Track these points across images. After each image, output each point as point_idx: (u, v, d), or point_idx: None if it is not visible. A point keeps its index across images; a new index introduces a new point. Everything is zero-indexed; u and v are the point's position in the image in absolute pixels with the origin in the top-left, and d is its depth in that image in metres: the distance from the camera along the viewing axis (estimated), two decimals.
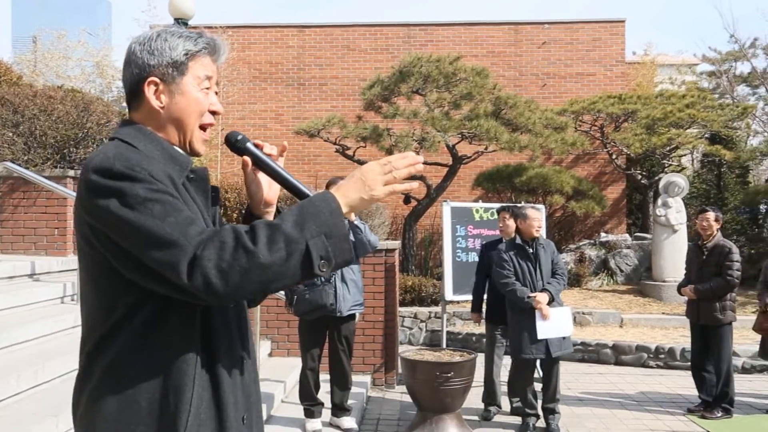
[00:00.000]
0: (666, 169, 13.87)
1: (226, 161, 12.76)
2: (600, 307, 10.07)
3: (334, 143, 10.90)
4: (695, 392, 6.05)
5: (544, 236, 5.93)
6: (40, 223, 6.48)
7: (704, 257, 5.89)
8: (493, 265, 5.52)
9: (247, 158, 1.56)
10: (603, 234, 12.98)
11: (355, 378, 5.42)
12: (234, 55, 13.52)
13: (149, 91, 1.46)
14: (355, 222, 5.01)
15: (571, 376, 7.27)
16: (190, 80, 1.48)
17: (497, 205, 7.17)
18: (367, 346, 6.81)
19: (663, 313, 9.81)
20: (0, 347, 4.03)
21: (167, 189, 1.32)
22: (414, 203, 11.30)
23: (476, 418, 5.78)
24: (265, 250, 1.23)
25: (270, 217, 1.62)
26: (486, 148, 10.69)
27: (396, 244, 7.24)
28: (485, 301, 6.16)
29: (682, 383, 6.93)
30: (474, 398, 5.80)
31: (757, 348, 6.23)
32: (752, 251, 12.49)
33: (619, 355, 8.17)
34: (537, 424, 5.37)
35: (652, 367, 7.94)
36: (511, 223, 5.87)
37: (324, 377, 5.21)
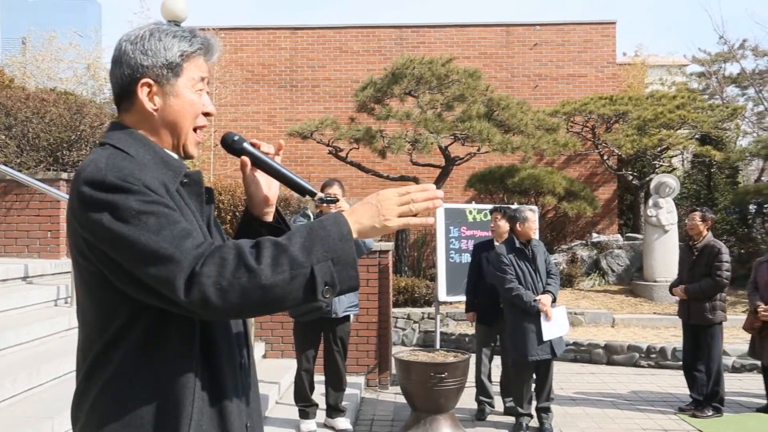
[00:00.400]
0: (657, 170, 13.96)
1: (218, 163, 12.76)
2: (592, 307, 10.13)
3: (327, 145, 10.93)
4: (686, 391, 6.10)
5: (537, 237, 5.98)
6: (33, 226, 6.47)
7: (694, 257, 5.95)
8: (491, 267, 5.55)
9: (245, 158, 1.53)
10: (595, 234, 13.05)
11: (349, 379, 5.44)
12: (226, 57, 13.52)
13: (142, 93, 1.40)
14: None
15: (564, 376, 7.32)
16: (185, 82, 1.44)
17: (490, 207, 7.21)
18: (360, 347, 6.83)
19: (654, 313, 9.88)
20: None
21: (162, 200, 1.28)
22: None
23: (470, 418, 5.81)
24: (269, 270, 1.20)
25: (269, 217, 1.60)
26: (478, 150, 10.74)
27: (389, 245, 7.27)
28: (477, 302, 6.18)
29: (674, 382, 7.00)
30: (467, 398, 5.83)
31: (747, 347, 6.29)
32: (742, 251, 12.59)
33: (611, 355, 8.22)
34: (530, 424, 5.42)
35: (643, 366, 8.00)
36: (503, 224, 5.91)
37: (318, 378, 5.23)
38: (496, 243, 5.93)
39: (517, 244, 5.42)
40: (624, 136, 12.61)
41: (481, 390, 5.93)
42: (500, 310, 5.63)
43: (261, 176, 1.56)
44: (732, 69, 20.97)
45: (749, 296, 6.13)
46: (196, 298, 1.18)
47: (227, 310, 1.21)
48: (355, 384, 6.35)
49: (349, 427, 5.26)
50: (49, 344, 4.54)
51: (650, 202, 11.19)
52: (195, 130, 1.47)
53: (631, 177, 13.85)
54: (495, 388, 6.10)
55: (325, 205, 4.78)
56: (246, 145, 1.53)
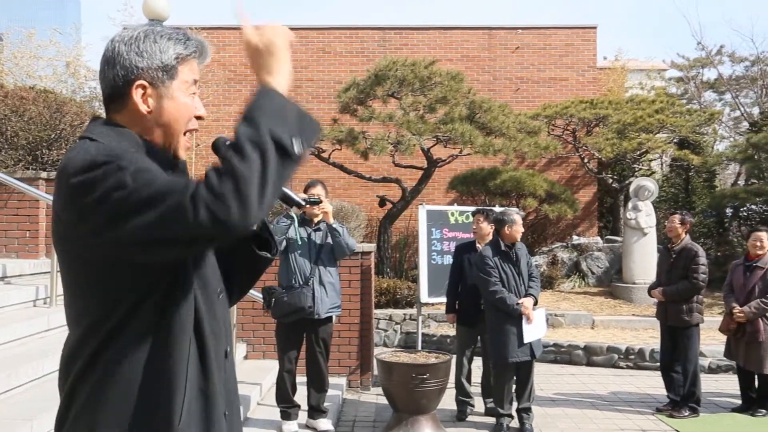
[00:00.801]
0: (636, 173, 14.14)
1: (200, 163, 12.69)
2: (572, 309, 10.23)
3: None
4: (664, 392, 6.19)
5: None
6: (11, 226, 6.39)
7: (672, 260, 6.03)
8: (474, 269, 5.59)
9: None
10: (575, 237, 13.19)
11: (330, 380, 5.44)
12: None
13: (137, 95, 1.41)
14: (334, 225, 5.04)
15: (544, 377, 7.38)
16: (179, 85, 1.45)
17: (472, 209, 7.25)
18: (342, 349, 6.84)
19: (633, 315, 10.00)
20: None
21: (147, 161, 1.32)
22: (389, 206, 11.36)
23: (451, 418, 5.84)
24: (240, 164, 1.22)
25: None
26: (461, 152, 10.79)
27: (371, 246, 7.28)
28: (458, 304, 6.22)
29: (652, 383, 7.09)
30: (449, 399, 5.86)
31: (723, 348, 6.40)
32: (719, 254, 12.79)
33: (590, 356, 8.31)
34: (511, 425, 5.46)
35: (622, 367, 8.09)
36: (485, 226, 5.94)
37: (300, 379, 5.22)
38: (478, 245, 5.97)
39: (502, 247, 5.46)
40: (604, 140, 12.75)
41: (461, 391, 5.96)
42: (481, 311, 5.66)
43: None
44: (709, 74, 21.31)
45: (725, 298, 6.24)
46: (203, 215, 1.20)
47: (234, 216, 1.22)
48: (337, 385, 6.36)
49: (331, 428, 5.26)
50: (28, 345, 4.50)
51: (629, 205, 11.33)
52: (185, 133, 1.49)
53: (611, 180, 14.00)
54: (475, 389, 6.14)
55: (308, 206, 4.81)
56: None
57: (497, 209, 6.71)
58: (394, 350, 6.44)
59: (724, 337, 6.31)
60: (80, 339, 1.39)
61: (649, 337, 8.69)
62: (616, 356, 8.20)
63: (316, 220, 5.11)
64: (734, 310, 5.93)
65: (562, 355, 8.43)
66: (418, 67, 10.34)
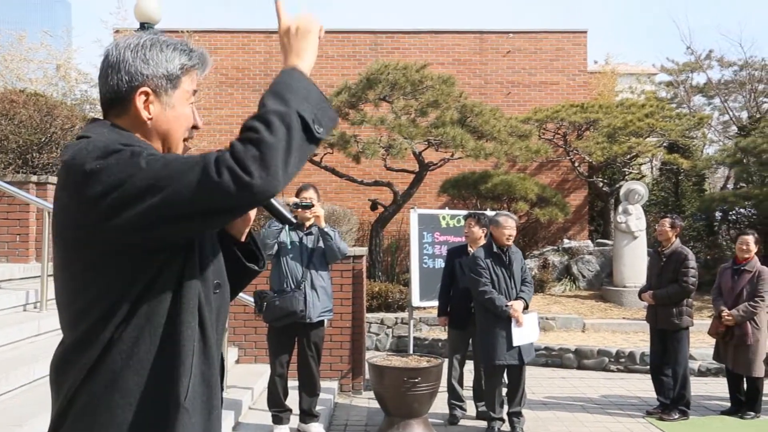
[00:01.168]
0: (626, 177, 14.22)
1: None
2: (563, 312, 10.27)
3: None
4: (654, 395, 6.22)
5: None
6: (1, 230, 6.36)
7: (662, 263, 6.07)
8: (467, 271, 5.61)
9: None
10: (566, 240, 13.24)
11: (322, 384, 5.45)
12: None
13: (139, 101, 1.44)
14: (326, 229, 5.05)
15: (535, 381, 7.41)
16: (181, 94, 1.48)
17: (464, 212, 7.28)
18: (334, 353, 6.84)
19: (624, 318, 10.05)
20: None
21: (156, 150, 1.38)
22: (381, 210, 11.38)
23: (443, 422, 5.85)
24: (267, 133, 1.26)
25: (243, 237, 1.63)
26: (452, 155, 10.82)
27: (363, 250, 7.29)
28: (449, 307, 6.23)
29: (642, 386, 7.13)
30: (441, 403, 5.87)
31: (712, 351, 6.44)
32: (708, 257, 12.88)
33: (581, 360, 8.34)
34: (502, 428, 5.47)
35: (613, 371, 8.13)
36: (477, 230, 5.97)
37: (292, 384, 5.22)
38: (469, 249, 5.99)
39: (495, 249, 5.48)
40: (594, 144, 12.82)
41: (453, 395, 5.98)
42: (472, 314, 5.68)
43: None
44: (699, 79, 21.44)
45: (713, 302, 6.29)
46: (226, 177, 1.23)
47: (258, 181, 1.24)
48: (329, 389, 6.35)
49: None
50: (19, 350, 4.48)
51: (620, 208, 11.39)
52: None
53: (601, 184, 14.08)
54: (467, 393, 6.15)
55: (300, 210, 4.82)
56: None
57: (489, 213, 6.74)
58: (386, 354, 6.45)
59: (713, 340, 6.35)
60: (77, 342, 1.38)
61: (639, 341, 8.73)
62: (606, 359, 8.24)
63: (307, 224, 5.11)
64: (722, 314, 5.98)
65: (553, 358, 8.46)
66: (410, 70, 10.37)
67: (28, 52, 11.50)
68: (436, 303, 6.65)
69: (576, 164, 13.87)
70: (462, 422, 5.90)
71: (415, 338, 8.51)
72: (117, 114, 1.47)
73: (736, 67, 19.76)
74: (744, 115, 19.20)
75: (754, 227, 11.43)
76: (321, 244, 5.08)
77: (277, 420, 5.09)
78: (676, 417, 5.93)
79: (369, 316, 9.08)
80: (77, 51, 13.99)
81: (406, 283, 9.44)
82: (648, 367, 6.73)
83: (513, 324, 5.26)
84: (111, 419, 1.34)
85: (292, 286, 4.97)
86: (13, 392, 3.88)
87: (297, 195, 5.05)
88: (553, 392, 7.05)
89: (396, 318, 9.62)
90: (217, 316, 1.50)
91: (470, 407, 6.08)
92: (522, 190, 12.09)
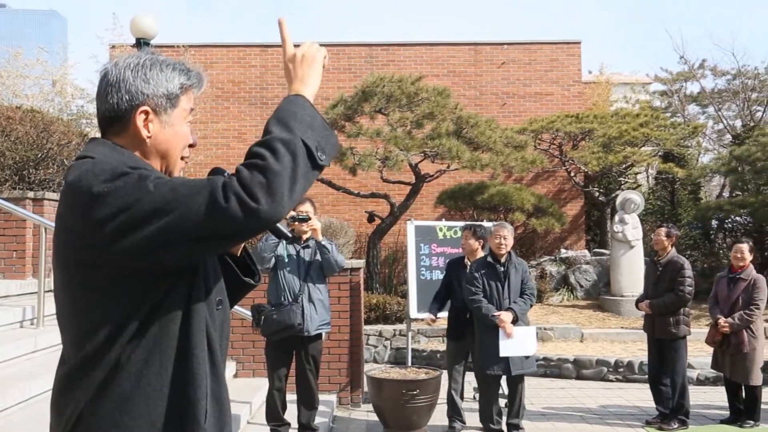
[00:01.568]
0: (622, 187, 14.27)
1: None
2: (561, 322, 10.27)
3: None
4: (653, 404, 6.22)
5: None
6: None
7: (659, 273, 6.09)
8: (464, 283, 5.63)
9: None
10: (563, 250, 13.26)
11: (321, 397, 5.43)
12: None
13: (139, 120, 1.45)
14: (323, 242, 5.06)
15: (534, 391, 7.39)
16: (179, 113, 1.50)
17: (461, 224, 7.30)
18: (332, 365, 6.82)
19: (622, 328, 10.05)
20: None
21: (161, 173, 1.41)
22: (378, 221, 11.39)
23: None
24: (273, 160, 1.29)
25: (238, 251, 1.64)
26: (448, 167, 10.86)
27: (361, 262, 7.30)
28: (448, 318, 6.24)
29: (641, 396, 7.12)
30: (440, 415, 5.85)
31: (711, 360, 6.44)
32: (705, 265, 12.90)
33: (580, 370, 8.34)
34: None
35: (611, 380, 8.12)
36: (473, 242, 5.98)
37: (290, 397, 5.21)
38: (467, 261, 6.01)
39: (489, 260, 5.50)
40: (590, 154, 12.87)
41: (452, 407, 5.96)
42: (470, 326, 5.68)
43: None
44: (692, 88, 21.58)
45: (710, 310, 6.30)
46: (233, 203, 1.26)
47: (264, 207, 1.27)
48: (328, 402, 6.33)
49: None
50: (15, 367, 4.46)
51: (616, 218, 11.43)
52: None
53: (597, 193, 14.12)
54: (466, 405, 6.13)
55: (296, 223, 4.83)
56: None
57: (486, 224, 6.76)
58: (385, 366, 6.44)
59: (712, 349, 6.35)
60: (82, 363, 1.38)
61: (638, 350, 8.73)
62: (605, 369, 8.23)
63: (305, 237, 5.12)
64: (719, 322, 5.99)
65: (551, 368, 8.45)
66: (405, 83, 10.42)
67: (24, 68, 11.53)
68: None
69: (572, 174, 13.91)
70: None
71: (413, 350, 8.50)
72: (116, 132, 1.48)
73: (729, 76, 19.89)
74: (738, 123, 19.31)
75: (750, 235, 11.47)
76: (318, 257, 5.08)
77: None
78: (676, 426, 5.92)
79: (367, 329, 9.07)
80: (73, 66, 14.06)
81: (404, 295, 9.44)
82: (647, 376, 6.73)
83: (501, 334, 5.25)
84: None
85: (290, 300, 4.97)
86: (10, 410, 3.87)
87: (293, 208, 5.05)
88: (552, 403, 7.04)
89: (394, 330, 9.61)
90: (221, 333, 1.52)
91: (470, 419, 6.06)
92: (518, 201, 12.12)
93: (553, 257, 12.90)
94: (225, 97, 14.42)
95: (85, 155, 1.43)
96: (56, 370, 1.45)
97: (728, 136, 19.23)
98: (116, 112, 1.46)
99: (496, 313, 5.28)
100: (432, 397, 5.27)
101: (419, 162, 10.82)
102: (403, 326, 9.26)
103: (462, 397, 6.05)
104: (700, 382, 7.82)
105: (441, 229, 8.03)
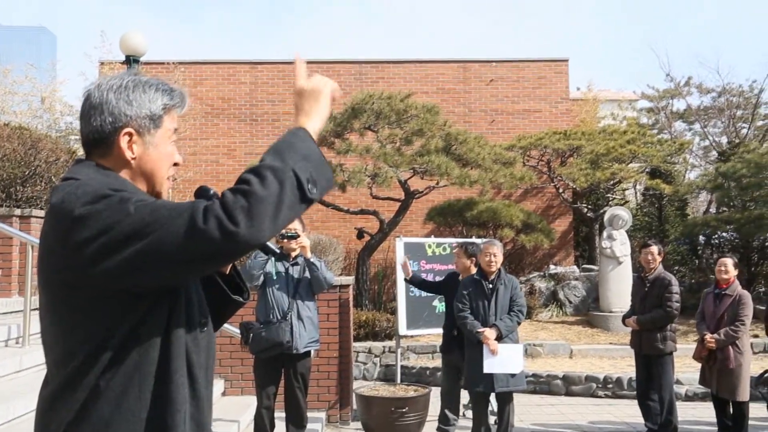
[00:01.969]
0: (610, 203, 14.37)
1: (177, 197, 12.63)
2: (550, 338, 10.28)
3: None
4: (642, 420, 6.22)
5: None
6: None
7: (646, 289, 6.12)
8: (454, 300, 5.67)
9: None
10: (552, 266, 13.30)
11: (309, 415, 5.39)
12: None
13: (123, 142, 1.46)
14: (312, 259, 5.05)
15: (523, 408, 7.38)
16: (163, 133, 1.51)
17: (449, 240, 7.32)
18: (321, 383, 6.78)
19: (611, 343, 10.07)
20: None
21: (146, 195, 1.41)
22: (367, 238, 11.39)
23: None
24: (259, 186, 1.29)
25: (226, 269, 1.64)
26: (437, 183, 10.90)
27: (350, 279, 7.29)
28: (443, 334, 6.23)
29: (630, 412, 7.12)
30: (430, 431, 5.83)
31: (699, 376, 6.46)
32: (693, 281, 12.98)
33: (569, 386, 8.34)
34: None
35: (600, 396, 8.12)
36: (465, 260, 5.99)
37: (279, 415, 5.17)
38: (460, 278, 6.02)
39: (476, 277, 5.51)
40: (578, 170, 12.97)
41: (444, 422, 5.93)
42: (459, 341, 5.68)
43: None
44: (679, 105, 21.83)
45: (697, 326, 6.32)
46: (212, 225, 1.25)
47: (243, 232, 1.26)
48: (317, 419, 6.29)
49: None
50: (0, 386, 4.41)
51: (604, 234, 11.49)
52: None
53: (585, 210, 14.21)
54: (460, 422, 6.11)
55: (285, 240, 4.83)
56: None
57: (476, 241, 6.78)
58: (374, 383, 6.41)
59: (700, 365, 6.37)
60: (64, 384, 1.38)
61: (626, 366, 8.73)
62: (594, 385, 8.24)
63: (293, 254, 5.11)
64: (705, 338, 6.01)
65: (541, 385, 8.44)
66: (394, 100, 10.48)
67: (12, 84, 11.51)
68: (423, 331, 6.64)
69: (560, 190, 14.00)
70: None
71: (402, 366, 8.47)
72: (101, 154, 1.49)
73: (714, 94, 20.15)
74: (724, 140, 19.54)
75: (737, 250, 11.57)
76: (307, 274, 5.07)
77: None
78: None
79: (356, 345, 9.04)
80: (62, 83, 14.09)
81: (393, 312, 9.43)
82: (635, 392, 6.73)
83: (485, 351, 5.24)
84: None
85: (279, 317, 4.95)
86: None
87: None
88: (542, 419, 7.03)
89: (383, 347, 9.58)
90: (206, 355, 1.51)
91: None
92: (507, 217, 12.17)
93: (542, 273, 12.94)
94: (215, 114, 14.43)
95: (70, 177, 1.44)
96: (40, 391, 1.45)
97: (714, 153, 19.45)
98: (100, 135, 1.47)
99: (480, 330, 5.28)
100: (421, 414, 5.26)
101: (408, 178, 10.86)
102: (392, 343, 9.24)
103: (457, 414, 6.01)
104: (688, 397, 7.84)
105: (430, 246, 8.04)
